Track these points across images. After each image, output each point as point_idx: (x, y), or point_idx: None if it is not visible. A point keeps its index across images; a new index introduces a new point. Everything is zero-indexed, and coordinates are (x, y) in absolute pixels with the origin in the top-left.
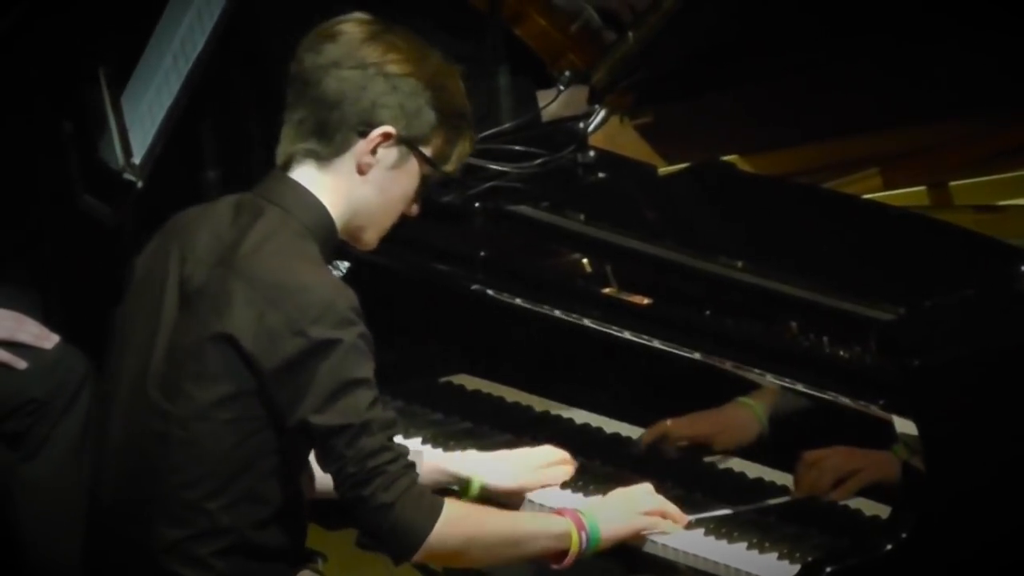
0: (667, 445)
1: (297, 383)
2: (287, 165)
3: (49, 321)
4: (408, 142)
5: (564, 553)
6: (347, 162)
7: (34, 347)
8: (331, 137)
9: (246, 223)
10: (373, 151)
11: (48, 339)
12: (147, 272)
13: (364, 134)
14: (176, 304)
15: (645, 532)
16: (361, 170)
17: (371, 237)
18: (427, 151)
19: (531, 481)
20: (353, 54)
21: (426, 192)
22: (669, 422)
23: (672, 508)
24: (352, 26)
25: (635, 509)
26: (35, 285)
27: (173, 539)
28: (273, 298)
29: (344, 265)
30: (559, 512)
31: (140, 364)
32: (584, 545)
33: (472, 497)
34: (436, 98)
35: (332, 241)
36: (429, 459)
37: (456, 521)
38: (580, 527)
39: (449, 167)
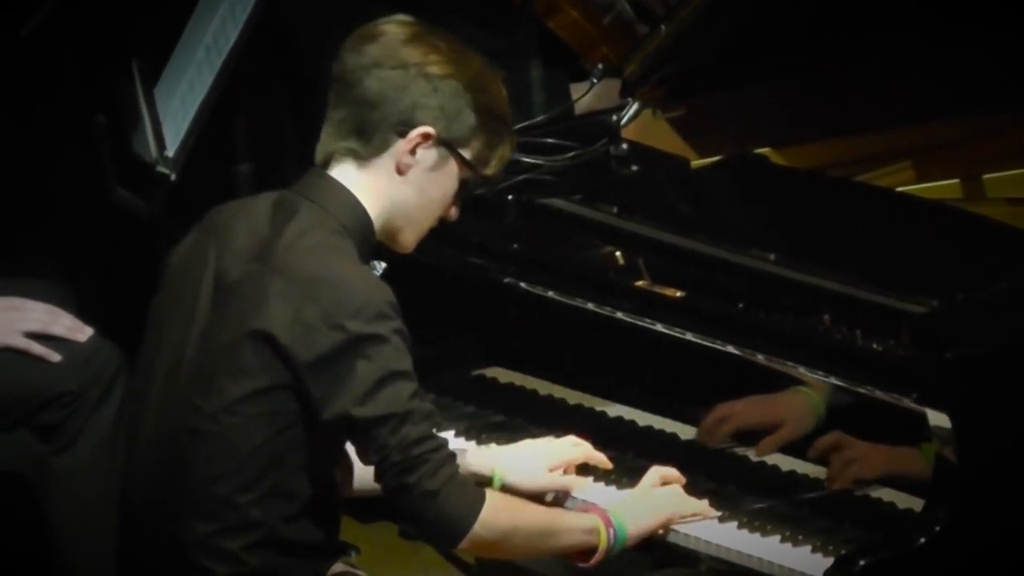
0: (723, 433)
1: (334, 377)
2: (326, 163)
3: (83, 314)
4: (448, 144)
5: (592, 550)
6: (386, 162)
7: (68, 340)
8: (371, 136)
9: (283, 219)
10: (412, 151)
11: (82, 332)
12: (183, 266)
13: (404, 134)
14: (210, 299)
15: (670, 524)
16: (400, 170)
17: (409, 239)
18: (466, 153)
19: (548, 483)
20: (394, 54)
21: (465, 195)
22: (727, 408)
23: (696, 505)
24: (394, 27)
25: (660, 506)
26: (69, 278)
27: (203, 533)
28: (309, 292)
29: (381, 265)
30: (586, 509)
31: (173, 358)
32: (612, 542)
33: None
34: (477, 100)
35: (369, 240)
36: None
37: (499, 510)
38: (608, 524)
39: (489, 171)
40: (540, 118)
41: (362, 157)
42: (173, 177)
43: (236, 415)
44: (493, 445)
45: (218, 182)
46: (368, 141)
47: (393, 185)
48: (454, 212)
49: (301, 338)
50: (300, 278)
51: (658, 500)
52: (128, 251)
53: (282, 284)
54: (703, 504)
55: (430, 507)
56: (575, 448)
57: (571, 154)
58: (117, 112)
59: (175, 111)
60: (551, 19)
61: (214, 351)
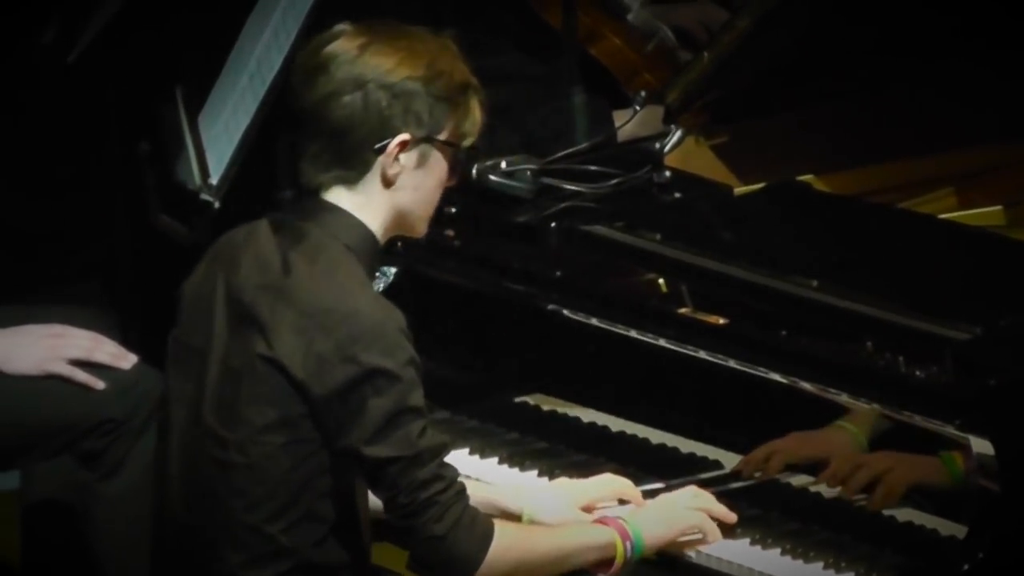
0: (770, 471)
1: (346, 411)
2: (317, 190)
3: (126, 341)
4: (425, 139)
5: (610, 562)
6: (374, 178)
7: (112, 367)
8: (351, 161)
9: (288, 246)
10: (396, 160)
11: (125, 359)
12: (195, 297)
13: (383, 149)
14: (226, 329)
15: (688, 535)
16: (391, 181)
17: (421, 227)
18: (444, 136)
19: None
20: (347, 77)
21: (458, 167)
22: (770, 448)
23: (718, 508)
24: (338, 47)
25: (678, 514)
26: (112, 305)
27: (237, 562)
28: (321, 324)
29: (391, 271)
30: (602, 521)
31: (195, 390)
32: (629, 554)
33: None
34: (437, 87)
35: (376, 255)
36: (478, 492)
37: (507, 548)
38: (624, 536)
39: (469, 141)
40: (583, 145)
41: (350, 181)
42: (216, 204)
43: (262, 445)
44: (525, 483)
45: (261, 209)
46: (351, 166)
47: (387, 195)
48: (452, 183)
49: (315, 372)
50: (311, 309)
51: (676, 510)
52: (172, 279)
53: (293, 315)
54: (723, 512)
55: (437, 551)
56: (611, 484)
57: (614, 181)
58: (161, 139)
59: (219, 138)
60: (594, 46)
61: (232, 380)
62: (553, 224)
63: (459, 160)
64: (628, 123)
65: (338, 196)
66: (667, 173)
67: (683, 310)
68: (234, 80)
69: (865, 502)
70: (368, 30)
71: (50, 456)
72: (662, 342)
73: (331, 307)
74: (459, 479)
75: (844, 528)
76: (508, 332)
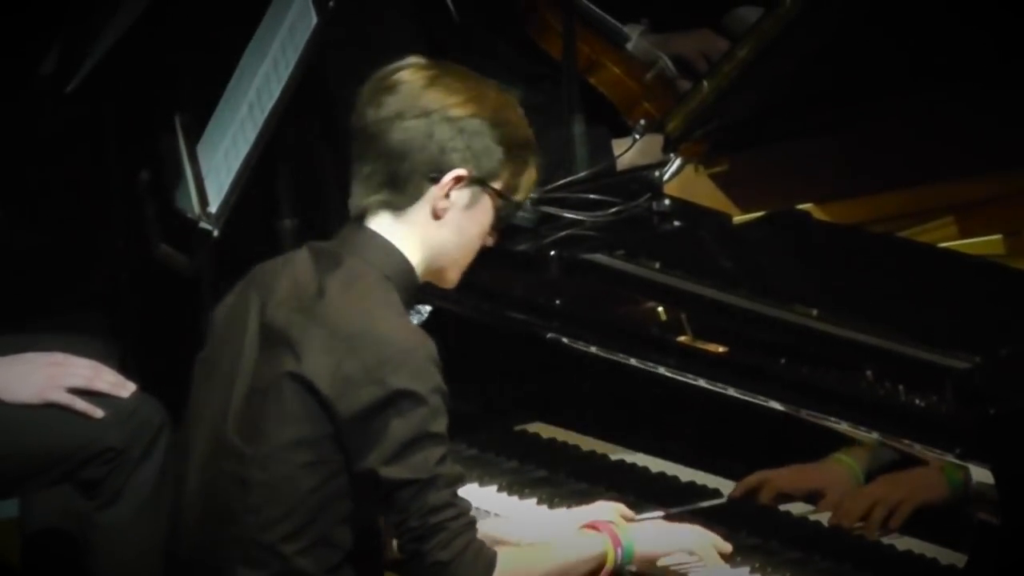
0: (759, 500)
1: (369, 431)
2: (362, 216)
3: (126, 370)
4: (479, 181)
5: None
6: (422, 209)
7: (111, 396)
8: (403, 187)
9: (326, 272)
10: (447, 195)
11: (125, 388)
12: (228, 321)
13: (436, 180)
14: (256, 350)
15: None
16: (437, 215)
17: (453, 276)
18: (497, 185)
19: None
20: (415, 103)
21: (501, 223)
22: (764, 477)
23: (714, 543)
24: (409, 74)
25: (675, 539)
26: (112, 334)
27: None
28: (352, 346)
29: (426, 309)
30: (594, 526)
31: (220, 409)
32: (619, 560)
33: None
34: (500, 133)
35: (412, 288)
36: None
37: (509, 575)
38: (616, 543)
39: (519, 197)
40: (583, 174)
41: (397, 207)
42: (216, 233)
43: (283, 463)
44: (524, 512)
45: (261, 238)
46: (401, 192)
47: (431, 230)
48: (491, 240)
49: (342, 391)
50: (343, 332)
51: (675, 532)
52: (171, 307)
53: (325, 336)
54: (720, 542)
55: None
56: (607, 515)
57: (614, 210)
58: (160, 168)
59: (218, 167)
60: (593, 76)
61: (258, 397)
62: (553, 252)
63: (504, 212)
64: (627, 152)
65: (382, 223)
66: (667, 201)
67: (683, 338)
68: (233, 109)
69: (866, 528)
70: (438, 65)
71: (49, 484)
72: (662, 370)
73: (362, 330)
74: (471, 512)
75: (845, 557)
76: (508, 360)
